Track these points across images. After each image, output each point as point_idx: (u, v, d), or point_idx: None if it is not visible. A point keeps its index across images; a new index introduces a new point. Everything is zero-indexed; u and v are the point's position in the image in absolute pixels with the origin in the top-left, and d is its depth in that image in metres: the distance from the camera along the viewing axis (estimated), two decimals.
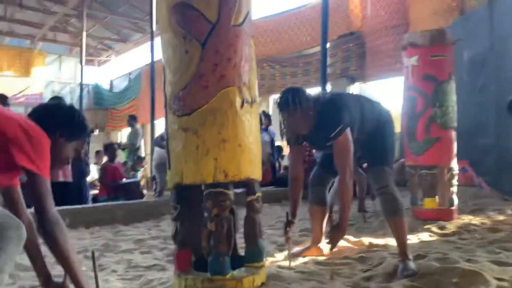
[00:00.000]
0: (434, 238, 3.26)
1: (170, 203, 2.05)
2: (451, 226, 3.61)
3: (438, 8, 8.53)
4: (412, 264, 2.27)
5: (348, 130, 2.33)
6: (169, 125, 1.97)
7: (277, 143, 8.77)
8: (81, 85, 13.85)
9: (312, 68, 10.73)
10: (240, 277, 1.92)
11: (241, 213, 2.13)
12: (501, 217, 4.02)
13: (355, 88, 10.51)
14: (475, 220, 3.92)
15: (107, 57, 20.93)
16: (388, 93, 11.11)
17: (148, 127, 11.44)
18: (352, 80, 10.33)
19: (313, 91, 10.70)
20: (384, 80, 10.03)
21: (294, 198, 2.61)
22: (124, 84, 18.48)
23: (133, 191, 5.26)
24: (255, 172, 1.99)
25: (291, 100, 2.30)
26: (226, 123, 1.87)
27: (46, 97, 15.36)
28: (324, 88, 7.86)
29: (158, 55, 11.78)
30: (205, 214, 1.93)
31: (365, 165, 4.59)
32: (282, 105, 2.35)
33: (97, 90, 18.94)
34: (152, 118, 9.91)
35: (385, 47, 9.64)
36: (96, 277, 1.66)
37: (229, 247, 1.93)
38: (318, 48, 10.46)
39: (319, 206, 2.83)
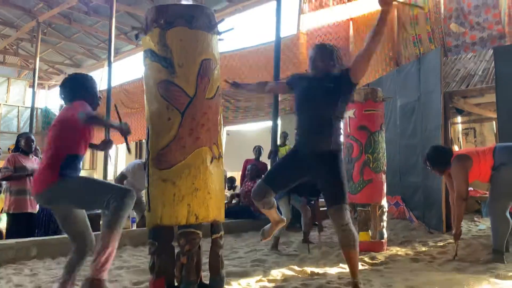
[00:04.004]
0: (366, 267, 3.78)
1: (148, 240, 2.46)
2: (380, 257, 4.15)
3: (378, 56, 9.42)
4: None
5: None
6: (150, 176, 2.41)
7: (229, 174, 9.24)
8: (32, 109, 13.56)
9: (264, 103, 11.40)
10: None
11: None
12: (423, 248, 4.64)
13: None
14: (401, 251, 4.50)
15: (57, 81, 20.66)
16: None
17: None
18: None
19: (263, 124, 11.34)
20: None
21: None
22: None
23: (95, 223, 5.46)
24: (220, 214, 2.47)
25: None
26: (198, 175, 2.34)
27: None
28: (275, 122, 8.44)
29: (114, 81, 12.03)
30: (179, 249, 2.36)
31: (312, 201, 5.16)
32: None
33: (46, 114, 18.57)
34: None
35: None
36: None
37: (198, 276, 2.37)
38: None
39: None
